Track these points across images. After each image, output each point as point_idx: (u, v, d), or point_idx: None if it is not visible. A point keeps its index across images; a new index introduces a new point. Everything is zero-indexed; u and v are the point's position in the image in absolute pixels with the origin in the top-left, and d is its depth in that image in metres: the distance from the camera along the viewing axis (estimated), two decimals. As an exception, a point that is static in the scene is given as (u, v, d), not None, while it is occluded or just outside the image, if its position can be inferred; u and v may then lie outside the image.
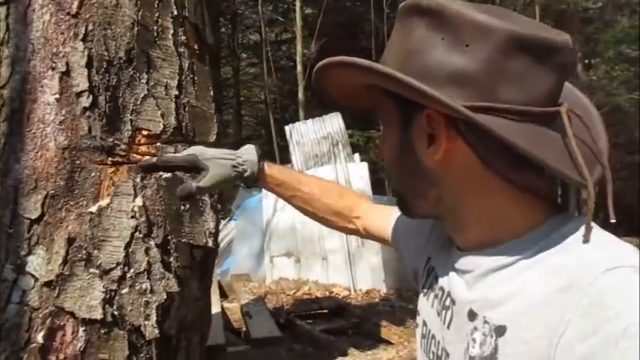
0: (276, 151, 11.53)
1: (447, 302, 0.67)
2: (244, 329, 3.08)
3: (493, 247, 0.60)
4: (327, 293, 5.29)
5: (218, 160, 1.00)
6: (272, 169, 1.03)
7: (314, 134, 7.36)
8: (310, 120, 7.77)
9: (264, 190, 1.06)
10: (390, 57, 0.62)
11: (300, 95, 11.70)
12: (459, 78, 0.55)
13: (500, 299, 0.57)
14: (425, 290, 0.75)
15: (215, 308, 3.18)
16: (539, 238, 0.57)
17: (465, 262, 0.64)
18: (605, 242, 0.55)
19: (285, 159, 8.97)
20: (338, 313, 4.28)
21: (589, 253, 0.53)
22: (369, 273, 6.18)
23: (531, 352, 0.52)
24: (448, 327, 0.66)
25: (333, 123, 7.39)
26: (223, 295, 4.07)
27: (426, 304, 0.74)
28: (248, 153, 1.01)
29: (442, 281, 0.70)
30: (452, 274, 0.67)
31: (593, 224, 0.55)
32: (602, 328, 0.47)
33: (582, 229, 0.54)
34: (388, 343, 3.79)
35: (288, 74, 16.91)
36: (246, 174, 1.00)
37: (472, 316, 0.60)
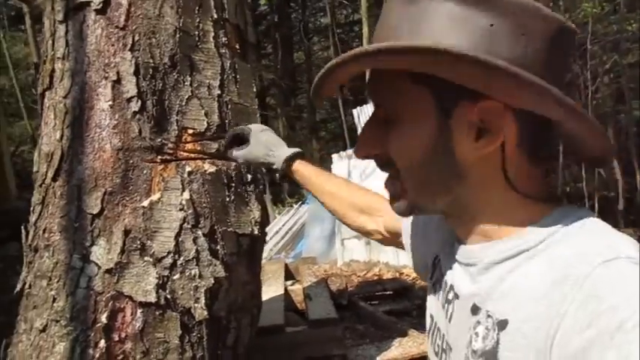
0: (346, 132, 11.56)
1: (450, 296, 0.66)
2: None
3: (496, 240, 0.60)
4: (397, 275, 5.31)
5: (258, 146, 1.18)
6: (302, 167, 1.15)
7: (381, 116, 7.29)
8: (377, 102, 7.71)
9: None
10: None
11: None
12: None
13: (502, 292, 0.56)
14: (432, 284, 0.75)
15: (278, 290, 3.34)
16: (540, 230, 0.57)
17: (468, 254, 0.63)
18: (603, 233, 0.54)
19: (355, 141, 9.00)
20: (403, 294, 4.31)
21: (587, 244, 0.52)
22: (439, 254, 6.09)
23: (530, 345, 0.51)
24: (450, 320, 0.66)
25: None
26: (290, 277, 4.23)
27: (432, 298, 0.74)
28: (283, 153, 1.16)
29: (446, 275, 0.69)
30: (456, 267, 0.66)
31: (592, 215, 0.56)
32: (597, 321, 0.45)
33: (582, 222, 0.55)
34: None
35: (359, 55, 16.72)
36: (273, 166, 1.17)
37: (475, 310, 0.60)
